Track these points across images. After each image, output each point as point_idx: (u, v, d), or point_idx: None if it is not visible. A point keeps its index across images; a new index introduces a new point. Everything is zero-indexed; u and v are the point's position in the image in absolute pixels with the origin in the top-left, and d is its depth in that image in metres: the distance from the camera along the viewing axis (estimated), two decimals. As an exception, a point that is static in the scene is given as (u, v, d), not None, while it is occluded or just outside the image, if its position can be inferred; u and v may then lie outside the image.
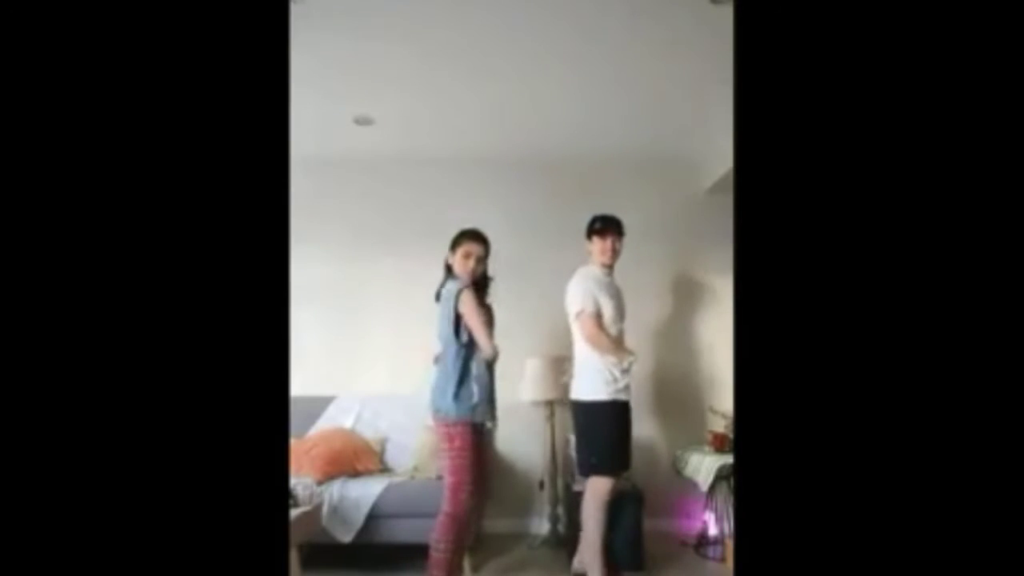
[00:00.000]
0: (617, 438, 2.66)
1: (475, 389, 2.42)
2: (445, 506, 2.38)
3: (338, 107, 3.17)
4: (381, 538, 2.90)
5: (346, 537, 2.88)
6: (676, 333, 3.81)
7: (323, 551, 2.96)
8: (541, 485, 3.51)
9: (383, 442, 3.42)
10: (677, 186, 3.86)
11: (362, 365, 3.75)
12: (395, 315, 3.72)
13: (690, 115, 3.27)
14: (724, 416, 3.30)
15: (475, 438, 2.41)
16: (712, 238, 3.66)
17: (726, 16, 2.00)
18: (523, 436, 3.64)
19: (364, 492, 2.95)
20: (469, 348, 2.44)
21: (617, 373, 2.68)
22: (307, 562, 2.81)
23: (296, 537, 2.39)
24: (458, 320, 2.42)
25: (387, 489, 2.95)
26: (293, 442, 3.12)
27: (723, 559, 3.11)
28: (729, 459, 3.02)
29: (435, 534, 2.37)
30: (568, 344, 2.86)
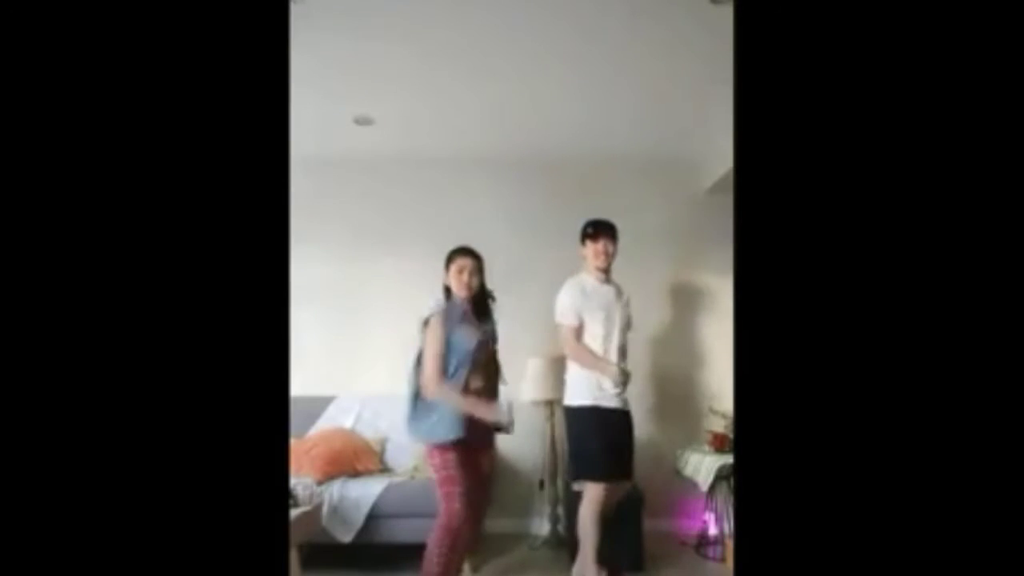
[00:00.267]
0: (601, 444, 2.63)
1: (434, 408, 2.36)
2: (439, 516, 2.36)
3: (338, 107, 3.17)
4: (381, 538, 2.91)
5: (346, 537, 2.88)
6: (676, 333, 3.81)
7: (323, 551, 2.96)
8: (541, 485, 3.51)
9: (383, 442, 3.42)
10: (677, 186, 3.86)
11: (362, 365, 3.75)
12: (395, 315, 3.71)
13: (690, 115, 3.27)
14: (724, 416, 3.30)
15: (451, 454, 2.33)
16: (712, 238, 3.66)
17: (726, 16, 2.00)
18: (523, 436, 3.63)
19: (364, 492, 2.95)
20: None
21: (604, 381, 2.68)
22: (307, 562, 2.81)
23: (296, 537, 2.39)
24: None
25: (387, 489, 2.95)
26: (293, 442, 3.12)
27: (723, 559, 3.11)
28: (729, 459, 3.02)
29: (428, 543, 2.35)
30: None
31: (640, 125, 3.41)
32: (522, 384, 3.37)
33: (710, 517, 3.23)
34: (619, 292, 2.86)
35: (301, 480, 2.79)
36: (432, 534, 2.35)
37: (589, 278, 2.82)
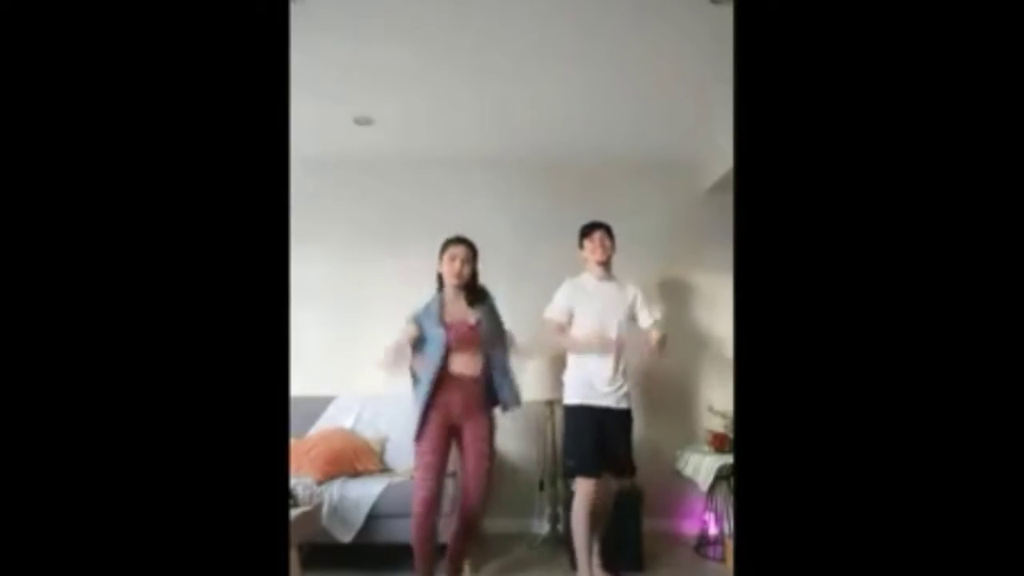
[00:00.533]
0: (588, 441, 2.71)
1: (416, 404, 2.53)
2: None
3: (338, 107, 3.17)
4: (381, 538, 2.90)
5: (346, 537, 2.88)
6: (676, 333, 3.80)
7: (323, 551, 2.96)
8: (541, 485, 3.51)
9: (383, 442, 3.42)
10: (677, 186, 3.86)
11: (362, 365, 3.74)
12: (395, 315, 3.70)
13: (691, 115, 3.27)
14: (724, 416, 3.30)
15: (424, 441, 2.49)
16: (712, 238, 3.66)
17: (726, 16, 2.00)
18: (523, 436, 3.64)
19: (364, 492, 2.95)
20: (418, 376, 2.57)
21: (596, 380, 2.75)
22: (307, 562, 2.81)
23: (296, 537, 2.39)
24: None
25: (387, 489, 2.95)
26: (293, 442, 3.12)
27: (723, 559, 3.11)
28: (729, 459, 3.02)
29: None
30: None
31: (640, 125, 3.41)
32: (522, 384, 3.36)
33: (710, 517, 3.23)
34: (621, 287, 2.89)
35: (301, 480, 2.79)
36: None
37: (588, 277, 2.90)
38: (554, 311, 2.85)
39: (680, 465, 3.37)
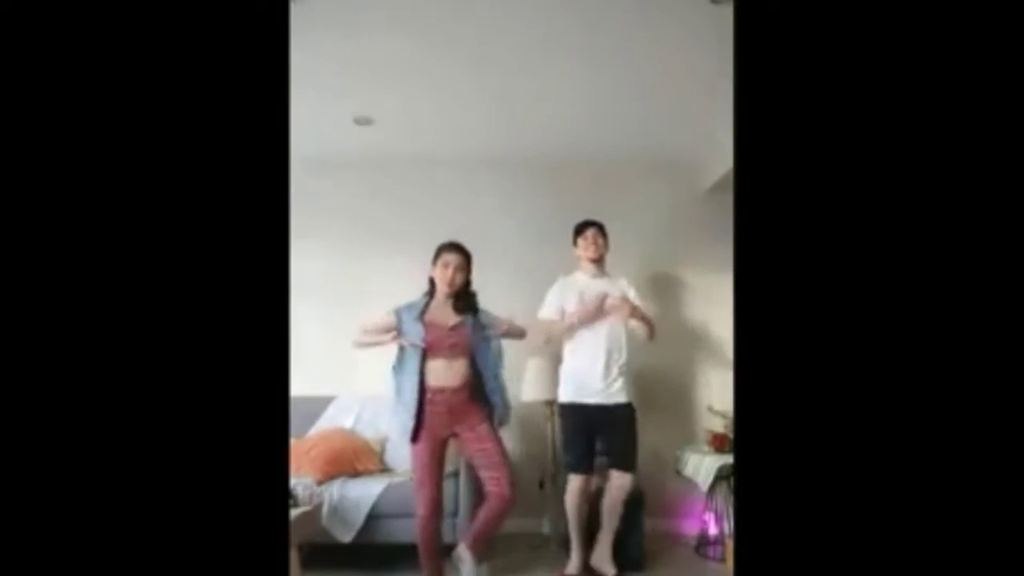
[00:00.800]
0: (575, 438, 2.84)
1: (400, 407, 2.57)
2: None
3: (338, 106, 3.17)
4: (381, 538, 2.90)
5: (346, 537, 2.88)
6: (676, 332, 3.81)
7: (323, 551, 2.96)
8: (541, 485, 3.51)
9: (383, 442, 3.41)
10: (677, 185, 3.86)
11: (362, 365, 3.74)
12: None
13: (691, 115, 3.27)
14: (724, 416, 3.30)
15: (418, 447, 2.52)
16: (712, 238, 3.65)
17: (727, 15, 2.00)
18: (523, 436, 3.64)
19: (364, 492, 2.95)
20: (398, 367, 2.61)
21: (588, 378, 2.83)
22: (307, 562, 2.81)
23: (296, 537, 2.40)
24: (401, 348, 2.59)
25: (387, 489, 2.95)
26: (293, 442, 3.11)
27: (723, 559, 3.11)
28: (729, 459, 3.02)
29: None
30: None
31: (641, 125, 3.41)
32: (522, 384, 3.37)
33: (710, 517, 3.23)
34: (613, 282, 2.93)
35: (301, 480, 2.79)
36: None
37: (581, 275, 2.97)
38: (547, 311, 2.93)
39: (680, 465, 3.37)
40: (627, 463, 2.83)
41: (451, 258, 2.61)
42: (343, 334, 3.76)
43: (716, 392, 3.66)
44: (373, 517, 2.90)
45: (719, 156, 3.37)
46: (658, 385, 3.70)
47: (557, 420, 2.96)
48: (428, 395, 2.52)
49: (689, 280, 3.86)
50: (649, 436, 3.54)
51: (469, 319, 2.60)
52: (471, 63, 2.76)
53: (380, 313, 2.64)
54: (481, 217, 3.78)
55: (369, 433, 3.44)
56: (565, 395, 2.90)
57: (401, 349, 2.59)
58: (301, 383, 3.24)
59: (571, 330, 2.87)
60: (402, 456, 3.32)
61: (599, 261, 2.94)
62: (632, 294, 2.96)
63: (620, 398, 2.85)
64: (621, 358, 2.88)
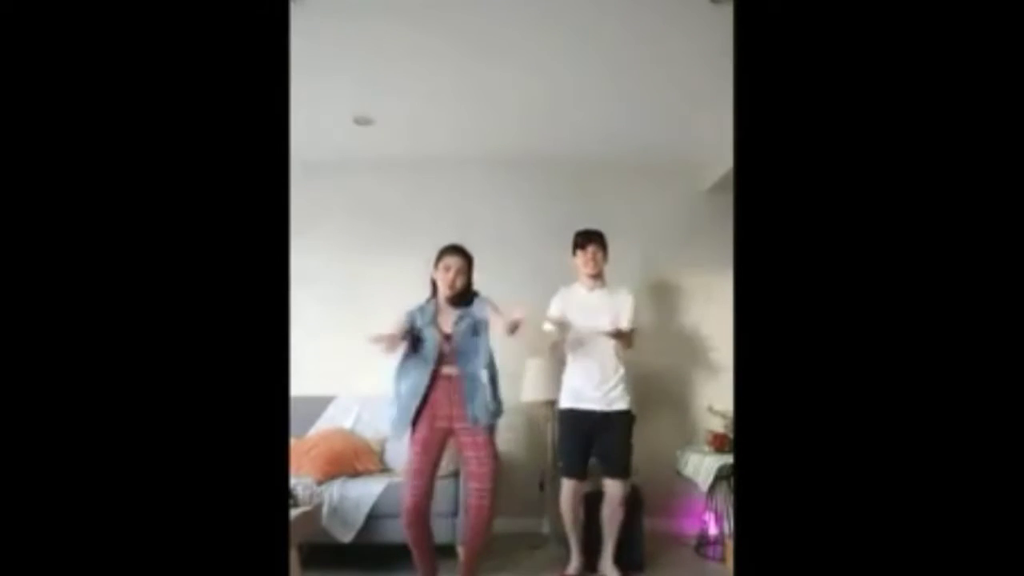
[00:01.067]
0: (569, 444, 2.91)
1: (396, 407, 2.60)
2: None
3: (338, 106, 3.17)
4: (381, 538, 2.90)
5: (346, 537, 2.88)
6: (676, 333, 3.81)
7: (323, 551, 2.96)
8: (541, 486, 3.51)
9: (383, 442, 3.41)
10: (677, 186, 3.86)
11: (362, 365, 3.74)
12: (396, 316, 3.71)
13: (691, 115, 3.27)
14: (724, 416, 3.30)
15: (415, 436, 2.54)
16: (712, 238, 3.65)
17: (727, 15, 2.00)
18: (524, 436, 3.64)
19: (364, 492, 2.95)
20: (399, 368, 2.63)
21: (585, 386, 2.88)
22: (307, 562, 2.81)
23: (296, 537, 2.40)
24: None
25: (387, 489, 2.95)
26: (293, 442, 3.11)
27: (723, 559, 3.11)
28: (729, 459, 3.02)
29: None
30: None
31: (641, 125, 3.40)
32: (522, 384, 3.37)
33: (710, 517, 3.23)
34: (612, 293, 2.95)
35: (301, 480, 2.79)
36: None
37: (580, 287, 3.03)
38: (551, 319, 2.99)
39: (680, 465, 3.37)
40: (621, 471, 2.86)
41: (452, 261, 2.59)
42: (343, 335, 3.80)
43: (716, 392, 3.66)
44: (373, 517, 2.90)
45: (719, 156, 3.37)
46: (658, 385, 3.70)
47: (556, 424, 2.97)
48: (435, 380, 2.53)
49: (689, 280, 3.86)
50: (649, 436, 3.55)
51: (463, 319, 2.59)
52: (471, 64, 2.76)
53: (392, 321, 2.63)
54: (481, 218, 3.78)
55: (369, 433, 3.44)
56: (565, 402, 2.96)
57: (405, 355, 2.59)
58: (301, 383, 3.23)
59: (573, 344, 2.93)
60: (402, 456, 3.32)
61: (597, 276, 2.99)
62: (629, 307, 2.95)
63: (619, 405, 2.88)
64: (619, 368, 2.91)
